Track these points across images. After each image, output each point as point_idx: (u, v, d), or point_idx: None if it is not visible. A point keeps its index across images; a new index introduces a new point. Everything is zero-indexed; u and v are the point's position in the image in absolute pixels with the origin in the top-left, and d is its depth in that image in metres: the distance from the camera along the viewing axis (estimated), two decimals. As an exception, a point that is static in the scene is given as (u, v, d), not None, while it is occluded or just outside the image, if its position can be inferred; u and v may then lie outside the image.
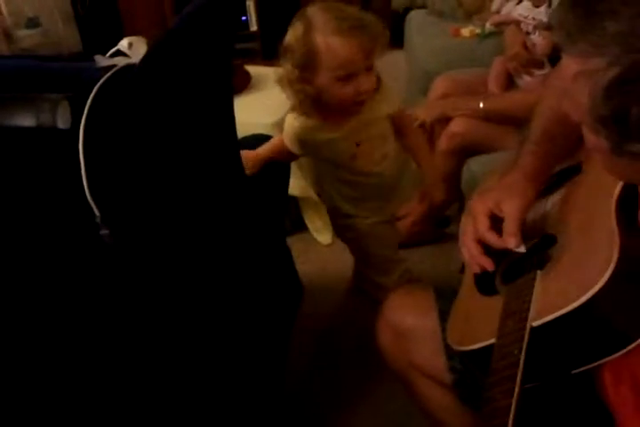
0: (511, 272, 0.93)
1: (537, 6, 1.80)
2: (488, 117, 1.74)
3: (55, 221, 0.82)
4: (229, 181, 1.11)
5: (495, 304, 0.86)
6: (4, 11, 3.36)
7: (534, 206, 1.02)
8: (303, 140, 1.42)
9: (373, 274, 1.65)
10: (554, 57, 1.74)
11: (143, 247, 0.87)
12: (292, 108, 1.40)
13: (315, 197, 1.84)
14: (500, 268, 0.97)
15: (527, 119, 1.15)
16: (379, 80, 1.39)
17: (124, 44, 0.96)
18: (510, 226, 0.95)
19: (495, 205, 0.98)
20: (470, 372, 0.98)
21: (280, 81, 1.34)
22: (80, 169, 0.76)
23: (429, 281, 1.80)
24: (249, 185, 1.27)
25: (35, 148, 0.79)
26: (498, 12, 2.40)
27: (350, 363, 1.67)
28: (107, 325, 0.92)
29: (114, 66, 0.87)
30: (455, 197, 1.94)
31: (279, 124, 1.68)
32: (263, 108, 1.98)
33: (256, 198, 1.29)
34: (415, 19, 2.90)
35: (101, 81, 0.82)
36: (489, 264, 0.96)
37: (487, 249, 0.98)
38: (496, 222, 0.98)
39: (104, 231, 0.79)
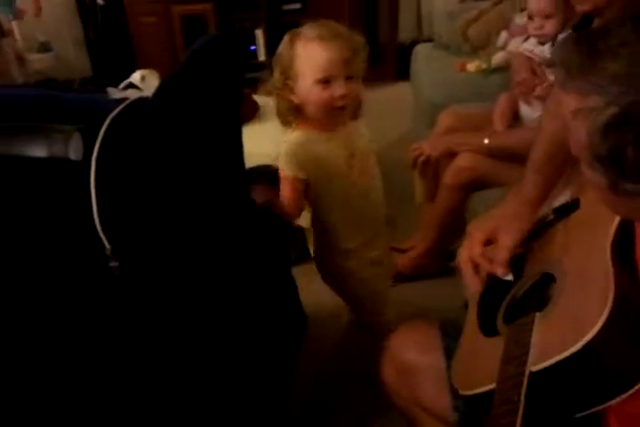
0: (512, 312, 0.93)
1: (542, 44, 1.82)
2: (493, 154, 1.75)
3: (64, 252, 0.82)
4: (237, 211, 1.12)
5: (497, 346, 0.85)
6: (17, 35, 3.40)
7: (535, 241, 1.04)
8: (300, 156, 1.41)
9: (367, 315, 1.66)
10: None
11: (151, 279, 0.87)
12: (278, 117, 1.44)
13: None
14: (501, 307, 0.97)
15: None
16: (359, 107, 1.45)
17: (136, 77, 0.98)
18: (501, 256, 1.03)
19: (492, 233, 1.06)
20: (474, 413, 0.97)
21: (270, 90, 1.41)
22: (91, 200, 0.77)
23: (434, 314, 1.79)
24: (256, 216, 1.27)
25: (46, 178, 0.79)
26: (503, 47, 2.43)
27: (352, 396, 1.65)
28: (112, 358, 0.92)
29: (126, 98, 0.89)
30: (460, 232, 1.94)
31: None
32: (270, 139, 1.97)
33: (263, 229, 1.29)
34: (422, 52, 2.93)
35: (113, 113, 0.83)
36: (476, 285, 1.05)
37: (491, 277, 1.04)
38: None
39: (113, 263, 0.79)
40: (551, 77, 1.77)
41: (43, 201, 0.80)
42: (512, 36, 2.37)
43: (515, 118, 1.91)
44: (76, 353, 0.91)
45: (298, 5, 3.55)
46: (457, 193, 1.82)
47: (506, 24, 2.51)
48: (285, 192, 1.43)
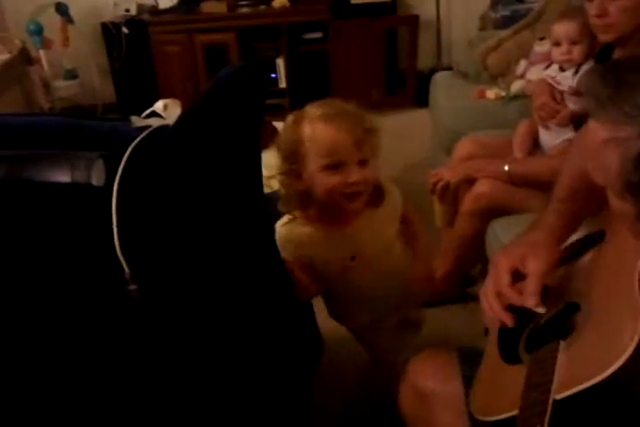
0: (534, 340, 0.92)
1: (563, 70, 1.83)
2: (512, 180, 1.75)
3: (84, 275, 0.83)
4: (254, 236, 1.13)
5: (519, 373, 0.85)
6: (45, 63, 3.49)
7: (559, 271, 1.01)
8: (288, 251, 1.29)
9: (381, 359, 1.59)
10: (577, 121, 1.75)
11: (169, 302, 0.88)
12: (282, 205, 1.28)
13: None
14: (523, 335, 0.96)
15: (551, 184, 1.16)
16: (380, 191, 1.29)
17: (159, 106, 1.00)
18: (532, 285, 0.94)
19: (520, 261, 0.98)
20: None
21: (277, 177, 1.28)
22: (112, 225, 0.78)
23: (452, 341, 1.77)
24: (273, 240, 1.28)
25: (69, 202, 0.81)
26: (522, 75, 2.44)
27: (369, 421, 1.63)
28: (130, 381, 0.93)
29: (148, 126, 0.91)
30: (479, 258, 1.93)
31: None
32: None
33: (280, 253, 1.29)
34: (440, 80, 2.95)
35: (136, 141, 0.85)
36: (509, 320, 0.94)
37: (510, 309, 0.96)
38: (517, 279, 0.98)
39: (132, 287, 0.80)
40: (570, 105, 1.78)
41: (65, 224, 0.81)
42: (532, 64, 2.38)
43: (534, 145, 1.91)
44: (94, 374, 0.91)
45: (319, 34, 3.59)
46: (476, 219, 1.81)
47: (525, 52, 2.52)
48: (292, 273, 1.28)
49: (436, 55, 3.91)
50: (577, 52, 1.76)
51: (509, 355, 0.94)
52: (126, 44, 3.61)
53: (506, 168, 1.76)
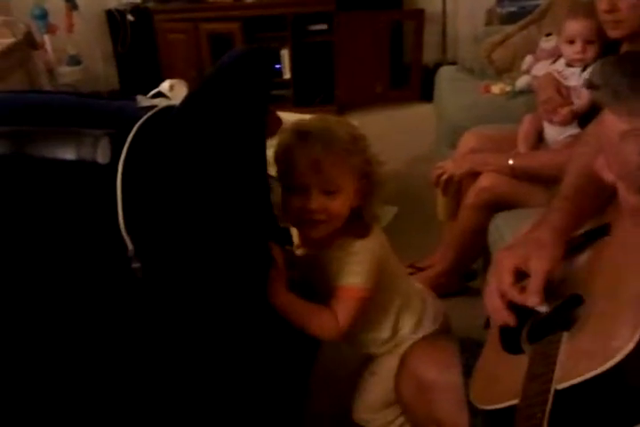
0: (537, 331, 0.92)
1: (570, 66, 1.82)
2: (516, 175, 1.74)
3: (88, 252, 0.83)
4: (257, 219, 1.12)
5: (520, 363, 0.85)
6: (49, 48, 3.48)
7: (561, 265, 1.01)
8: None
9: None
10: (582, 117, 1.74)
11: (172, 282, 0.88)
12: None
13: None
14: (525, 326, 0.96)
15: (555, 178, 1.16)
16: (365, 227, 1.17)
17: (165, 86, 0.99)
18: (535, 284, 0.94)
19: (522, 260, 0.97)
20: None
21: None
22: (116, 203, 0.78)
23: (452, 334, 1.77)
24: (275, 226, 1.27)
25: (74, 179, 0.81)
26: (528, 71, 2.43)
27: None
28: (131, 361, 0.92)
29: (155, 106, 0.90)
30: (481, 252, 1.93)
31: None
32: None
33: (283, 241, 1.29)
34: (445, 74, 2.94)
35: (142, 120, 0.85)
36: (511, 319, 0.95)
37: (512, 304, 0.96)
38: (521, 277, 0.97)
39: (136, 265, 0.79)
40: (576, 101, 1.77)
41: (69, 202, 0.81)
42: (537, 60, 2.37)
43: (539, 140, 1.91)
44: (95, 354, 0.91)
45: (324, 26, 3.58)
46: (478, 213, 1.81)
47: (531, 48, 2.51)
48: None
49: (442, 50, 3.89)
50: (591, 51, 1.75)
51: (511, 345, 0.94)
52: (131, 32, 3.59)
53: (510, 162, 1.76)
